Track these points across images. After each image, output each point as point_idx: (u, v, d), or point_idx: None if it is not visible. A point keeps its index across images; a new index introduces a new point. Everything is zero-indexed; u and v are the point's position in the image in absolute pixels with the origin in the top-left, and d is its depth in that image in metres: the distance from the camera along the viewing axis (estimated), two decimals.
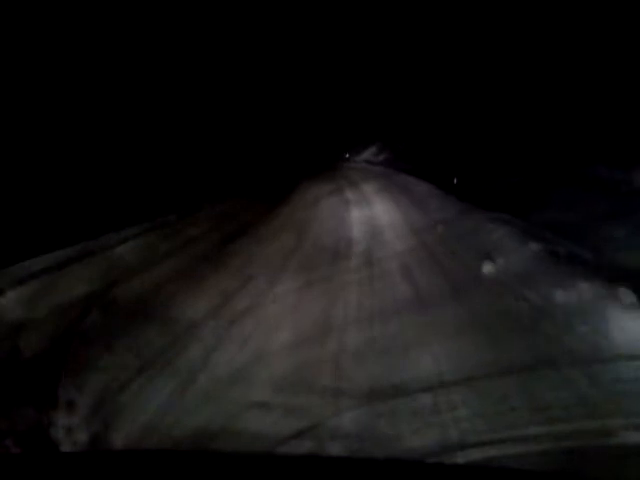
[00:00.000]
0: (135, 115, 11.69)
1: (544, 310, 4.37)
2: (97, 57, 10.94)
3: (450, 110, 18.59)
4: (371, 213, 10.67)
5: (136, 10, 12.33)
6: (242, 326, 4.97)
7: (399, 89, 28.56)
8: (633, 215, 6.36)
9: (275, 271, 6.73)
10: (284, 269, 6.80)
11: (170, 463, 1.50)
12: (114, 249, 6.85)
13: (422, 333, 4.40)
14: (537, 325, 4.13)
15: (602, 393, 3.12)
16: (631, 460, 2.65)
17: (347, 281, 6.19)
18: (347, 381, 3.74)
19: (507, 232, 6.49)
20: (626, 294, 4.18)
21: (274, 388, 3.71)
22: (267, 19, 22.70)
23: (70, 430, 3.44)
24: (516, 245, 5.95)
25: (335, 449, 2.99)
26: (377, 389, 3.58)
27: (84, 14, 10.92)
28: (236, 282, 6.28)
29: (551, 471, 2.61)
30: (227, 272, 6.73)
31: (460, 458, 2.80)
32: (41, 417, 3.51)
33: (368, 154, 31.10)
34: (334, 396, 3.54)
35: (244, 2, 18.96)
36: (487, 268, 5.56)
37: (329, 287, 6.04)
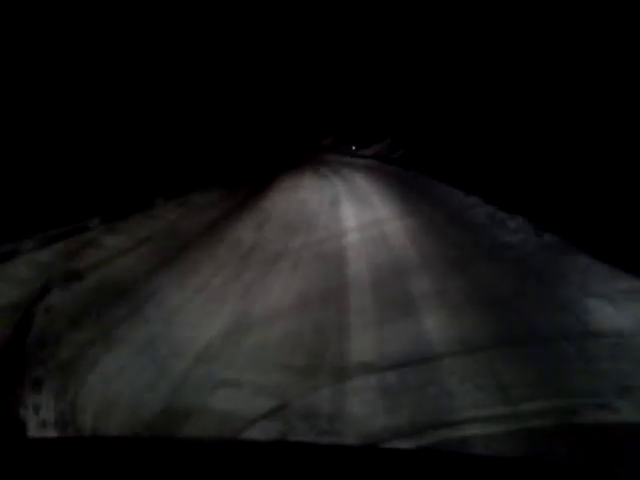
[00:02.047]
0: (114, 105, 11.41)
1: (515, 290, 4.41)
2: (82, 53, 10.58)
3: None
4: (351, 196, 10.81)
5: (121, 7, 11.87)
6: (206, 301, 4.92)
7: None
8: None
9: (242, 252, 6.68)
10: (250, 250, 6.76)
11: (136, 451, 1.46)
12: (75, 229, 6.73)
13: (389, 310, 4.43)
14: (504, 303, 4.16)
15: (566, 371, 3.15)
16: (594, 439, 2.68)
17: (312, 255, 6.34)
18: (315, 359, 3.75)
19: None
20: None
21: (242, 366, 3.69)
22: (257, 10, 21.92)
23: (38, 409, 3.39)
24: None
25: (305, 429, 2.98)
26: (345, 367, 3.60)
27: (79, 12, 10.53)
28: (201, 258, 6.25)
29: (516, 456, 2.63)
30: (196, 253, 6.63)
31: (428, 439, 2.81)
32: (8, 396, 3.45)
33: (380, 147, 25.01)
34: (302, 374, 3.54)
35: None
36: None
37: (293, 261, 6.13)
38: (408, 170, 14.66)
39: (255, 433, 2.95)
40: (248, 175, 16.55)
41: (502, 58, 11.69)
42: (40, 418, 3.31)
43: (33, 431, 3.17)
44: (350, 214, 8.55)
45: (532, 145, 8.64)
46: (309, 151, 30.22)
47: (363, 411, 3.09)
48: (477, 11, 12.87)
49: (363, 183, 13.05)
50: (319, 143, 36.29)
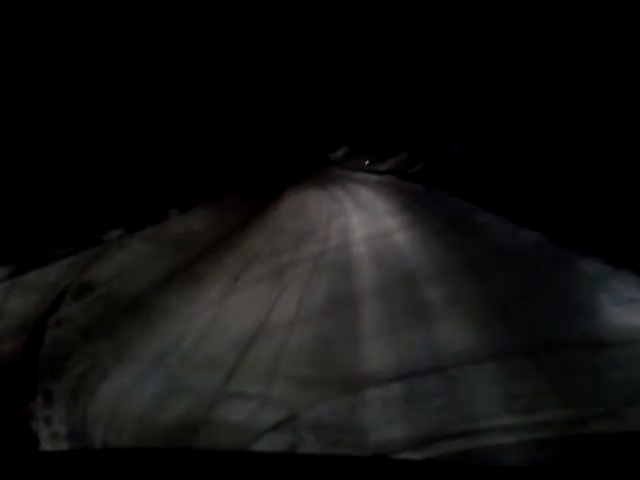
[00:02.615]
0: (121, 116, 11.54)
1: (524, 299, 4.41)
2: (83, 55, 10.71)
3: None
4: (354, 206, 10.93)
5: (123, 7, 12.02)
6: (216, 312, 4.96)
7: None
8: None
9: (252, 262, 6.73)
10: (259, 260, 6.81)
11: (150, 463, 1.48)
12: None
13: (398, 320, 4.44)
14: (509, 314, 4.16)
15: (575, 381, 3.14)
16: (603, 449, 2.67)
17: (321, 266, 6.35)
18: (323, 370, 3.76)
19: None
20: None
21: (251, 378, 3.71)
22: (268, 20, 21.84)
23: (49, 421, 3.43)
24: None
25: (314, 441, 2.99)
26: (354, 378, 3.60)
27: (80, 12, 10.65)
28: (211, 269, 6.29)
29: (525, 466, 2.63)
30: (205, 264, 6.68)
31: (437, 450, 2.81)
32: (19, 409, 3.48)
33: (396, 162, 21.19)
34: (311, 385, 3.56)
35: (231, 5, 18.23)
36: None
37: (301, 272, 6.15)
38: (427, 187, 12.57)
39: (264, 445, 2.97)
40: (255, 188, 16.70)
41: (522, 69, 11.57)
42: (51, 430, 3.35)
43: (45, 443, 3.20)
44: (357, 226, 8.57)
45: (544, 154, 8.60)
46: (318, 165, 29.05)
47: (372, 422, 3.10)
48: (498, 23, 12.59)
49: (369, 195, 13.08)
50: (329, 157, 33.22)
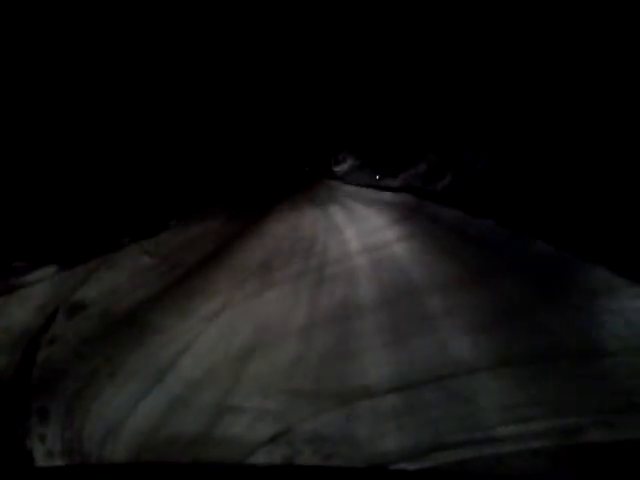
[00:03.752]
0: (112, 130, 11.66)
1: (522, 308, 4.42)
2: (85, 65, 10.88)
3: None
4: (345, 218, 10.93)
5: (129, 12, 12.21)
6: (210, 328, 4.97)
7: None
8: None
9: (245, 276, 6.75)
10: (253, 274, 6.82)
11: (143, 478, 1.49)
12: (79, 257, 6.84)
13: (394, 333, 4.44)
14: (508, 324, 4.17)
15: (571, 390, 3.15)
16: (599, 458, 2.68)
17: (315, 280, 6.31)
18: (319, 382, 3.74)
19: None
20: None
21: (246, 391, 3.70)
22: (265, 27, 21.70)
23: (44, 439, 3.41)
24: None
25: (309, 453, 2.99)
26: (348, 391, 3.58)
27: (84, 14, 10.80)
28: (203, 285, 6.30)
29: (522, 476, 2.63)
30: (198, 278, 6.70)
31: (434, 460, 2.80)
32: (14, 427, 3.47)
33: (411, 176, 16.53)
34: (307, 398, 3.54)
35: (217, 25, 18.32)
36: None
37: (296, 287, 6.12)
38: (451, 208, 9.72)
39: (261, 458, 2.96)
40: (248, 202, 16.77)
41: (528, 72, 11.35)
42: (46, 448, 3.34)
43: (40, 461, 3.19)
44: (353, 238, 8.55)
45: (546, 161, 8.54)
46: (318, 179, 26.57)
47: (368, 434, 3.08)
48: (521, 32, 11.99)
49: (365, 206, 13.06)
50: (332, 170, 28.44)
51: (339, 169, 27.75)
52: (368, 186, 17.96)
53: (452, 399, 3.29)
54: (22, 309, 5.04)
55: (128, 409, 3.55)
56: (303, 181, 26.56)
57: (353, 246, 7.90)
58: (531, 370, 3.48)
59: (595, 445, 2.75)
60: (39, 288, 5.54)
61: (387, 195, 14.20)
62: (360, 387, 3.60)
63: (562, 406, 3.08)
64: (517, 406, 3.11)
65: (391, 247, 7.29)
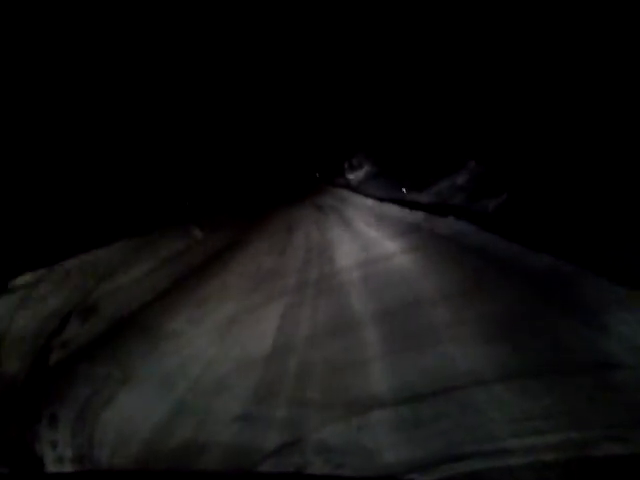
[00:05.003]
0: (119, 133, 11.77)
1: (530, 320, 4.39)
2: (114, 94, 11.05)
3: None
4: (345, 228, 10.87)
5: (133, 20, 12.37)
6: (225, 335, 4.98)
7: None
8: None
9: (252, 284, 6.77)
10: (260, 282, 6.84)
11: None
12: (92, 261, 6.88)
13: (402, 343, 4.42)
14: (519, 335, 4.15)
15: (582, 403, 3.13)
16: (609, 472, 2.66)
17: (323, 290, 6.30)
18: (329, 393, 3.74)
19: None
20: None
21: (255, 400, 3.71)
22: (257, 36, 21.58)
23: (55, 445, 3.43)
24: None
25: (319, 464, 2.98)
26: (358, 401, 3.57)
27: (85, 15, 10.91)
28: (215, 293, 6.32)
29: None
30: (207, 284, 6.75)
31: (444, 472, 2.79)
32: (25, 432, 3.49)
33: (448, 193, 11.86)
34: (317, 408, 3.53)
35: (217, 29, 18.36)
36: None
37: (305, 296, 6.12)
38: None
39: (271, 467, 2.96)
40: (254, 210, 16.79)
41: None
42: (57, 454, 3.36)
43: (50, 466, 3.21)
44: (357, 250, 8.53)
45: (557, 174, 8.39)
46: (325, 188, 24.19)
47: (378, 445, 3.07)
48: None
49: (368, 219, 12.91)
50: (345, 177, 24.45)
51: (353, 176, 23.83)
52: (386, 200, 13.84)
53: (462, 411, 3.27)
54: (35, 313, 5.09)
55: (139, 416, 3.57)
56: (312, 188, 25.10)
57: (358, 257, 7.89)
58: (542, 382, 3.45)
59: (607, 459, 2.72)
60: (52, 292, 5.59)
61: (396, 209, 12.21)
62: (370, 398, 3.59)
63: (573, 419, 3.05)
64: (528, 418, 3.09)
65: (393, 259, 7.28)
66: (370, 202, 15.15)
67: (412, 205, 11.81)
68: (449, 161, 12.82)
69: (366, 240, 9.16)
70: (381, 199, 14.49)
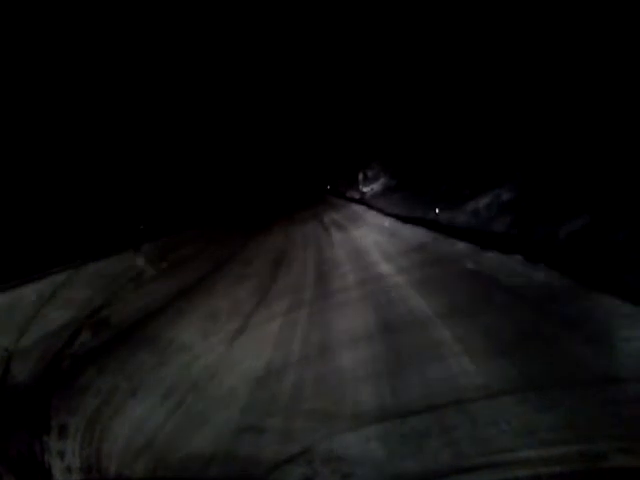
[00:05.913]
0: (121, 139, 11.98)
1: (534, 332, 4.40)
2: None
3: None
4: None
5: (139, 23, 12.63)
6: (231, 348, 5.01)
7: None
8: None
9: (262, 295, 6.81)
10: (271, 293, 6.88)
11: None
12: (101, 271, 6.97)
13: (412, 355, 4.42)
14: (526, 348, 4.15)
15: (592, 416, 3.13)
16: None
17: (335, 303, 6.26)
18: (336, 404, 3.73)
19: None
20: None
21: (266, 411, 3.71)
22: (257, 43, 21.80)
23: (63, 455, 3.44)
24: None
25: (327, 474, 2.99)
26: (367, 412, 3.56)
27: (87, 18, 11.12)
28: (225, 305, 6.36)
29: None
30: (217, 295, 6.80)
31: None
32: (34, 442, 3.51)
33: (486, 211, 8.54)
34: (325, 419, 3.54)
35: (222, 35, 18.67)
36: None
37: (316, 309, 6.10)
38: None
39: (279, 477, 2.96)
40: (252, 222, 16.80)
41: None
42: (65, 464, 3.36)
43: (58, 477, 3.21)
44: (355, 269, 8.47)
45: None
46: (334, 201, 21.67)
47: (387, 455, 3.07)
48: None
49: (370, 237, 12.64)
50: (358, 189, 21.21)
51: (367, 189, 20.53)
52: (405, 219, 11.25)
53: (470, 423, 3.28)
54: (46, 324, 5.14)
55: (148, 426, 3.58)
56: (321, 202, 23.09)
57: (355, 278, 7.77)
58: (550, 395, 3.46)
59: (616, 471, 2.73)
60: (62, 303, 5.65)
61: (411, 229, 10.43)
62: (380, 409, 3.59)
63: (581, 431, 3.06)
64: (537, 431, 3.10)
65: (393, 278, 7.22)
66: (383, 221, 12.60)
67: (441, 229, 8.91)
68: (488, 170, 10.08)
69: (368, 259, 8.99)
70: (398, 217, 11.83)
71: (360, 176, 21.93)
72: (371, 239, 10.68)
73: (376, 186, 20.05)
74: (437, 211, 10.30)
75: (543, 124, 9.50)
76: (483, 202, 8.92)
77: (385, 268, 7.61)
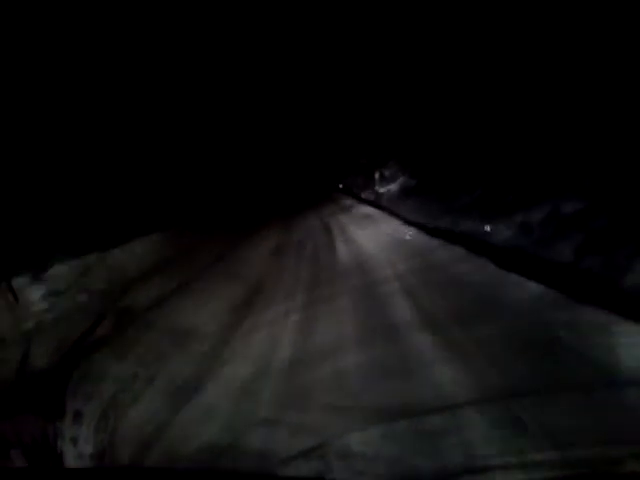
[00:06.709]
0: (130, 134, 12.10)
1: (552, 335, 4.36)
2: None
3: None
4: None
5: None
6: (250, 340, 5.02)
7: None
8: None
9: (281, 288, 6.82)
10: (290, 286, 6.87)
11: None
12: (120, 260, 7.05)
13: (430, 353, 4.38)
14: (547, 349, 4.10)
15: (610, 419, 3.10)
16: None
17: (353, 299, 6.21)
18: (353, 400, 3.73)
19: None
20: None
21: (280, 405, 3.72)
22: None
23: (76, 441, 3.45)
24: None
25: (342, 469, 2.97)
26: (383, 409, 3.56)
27: (87, 18, 11.24)
28: (245, 296, 6.37)
29: None
30: (237, 285, 6.81)
31: None
32: (47, 428, 3.52)
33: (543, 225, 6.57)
34: (340, 415, 3.53)
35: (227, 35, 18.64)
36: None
37: (333, 305, 6.06)
38: None
39: (292, 471, 2.95)
40: (251, 221, 16.81)
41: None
42: (78, 450, 3.37)
43: (70, 462, 3.22)
44: (350, 274, 8.28)
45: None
46: (347, 203, 20.11)
47: (402, 453, 3.06)
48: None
49: (365, 243, 11.97)
50: (373, 189, 18.98)
51: (384, 189, 17.96)
52: (426, 227, 9.63)
53: (490, 422, 3.26)
54: (70, 312, 5.19)
55: (163, 416, 3.59)
56: (333, 201, 22.02)
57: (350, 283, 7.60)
58: (567, 398, 3.43)
59: (632, 476, 2.70)
60: (88, 293, 5.71)
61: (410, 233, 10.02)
62: (395, 407, 3.57)
63: (596, 436, 3.03)
64: (555, 433, 3.07)
65: (389, 284, 7.05)
66: (402, 230, 10.84)
67: (477, 248, 7.15)
68: (541, 173, 8.02)
69: (367, 265, 8.66)
70: (423, 227, 9.91)
71: (376, 175, 19.41)
72: (373, 242, 9.95)
73: (394, 186, 17.41)
74: (488, 229, 7.58)
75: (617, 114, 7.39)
76: (537, 215, 6.89)
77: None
